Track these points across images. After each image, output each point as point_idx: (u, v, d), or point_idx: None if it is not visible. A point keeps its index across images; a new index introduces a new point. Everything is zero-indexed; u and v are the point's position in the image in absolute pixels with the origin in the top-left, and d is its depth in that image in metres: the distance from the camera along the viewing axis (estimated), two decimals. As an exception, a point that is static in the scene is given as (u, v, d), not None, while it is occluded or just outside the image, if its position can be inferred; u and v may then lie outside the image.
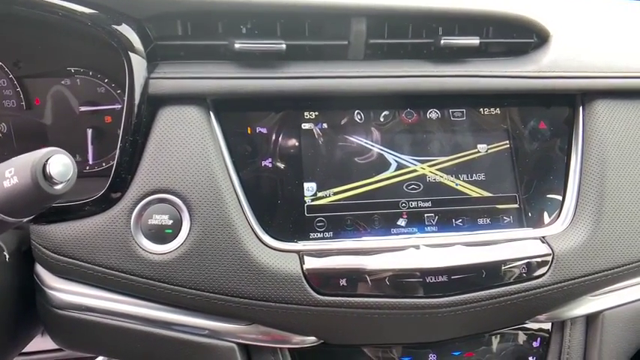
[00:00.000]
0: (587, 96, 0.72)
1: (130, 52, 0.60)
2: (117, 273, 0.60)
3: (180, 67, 0.63)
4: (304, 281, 0.60)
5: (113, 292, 0.63)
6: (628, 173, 0.70)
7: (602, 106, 0.71)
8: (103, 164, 0.82)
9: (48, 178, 0.44)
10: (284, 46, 0.63)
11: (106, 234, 0.60)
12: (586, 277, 0.67)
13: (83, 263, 0.61)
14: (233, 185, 0.62)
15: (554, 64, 0.70)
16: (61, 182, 0.45)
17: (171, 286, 0.60)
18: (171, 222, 0.60)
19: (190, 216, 0.60)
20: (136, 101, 0.61)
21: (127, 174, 0.61)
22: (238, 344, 0.65)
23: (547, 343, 0.75)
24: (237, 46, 0.62)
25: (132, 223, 0.60)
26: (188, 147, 0.62)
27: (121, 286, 0.61)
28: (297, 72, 0.65)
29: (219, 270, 0.60)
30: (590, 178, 0.69)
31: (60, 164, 0.45)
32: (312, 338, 0.66)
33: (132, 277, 0.60)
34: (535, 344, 0.75)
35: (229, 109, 0.66)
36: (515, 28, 0.71)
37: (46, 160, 0.45)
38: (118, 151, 0.61)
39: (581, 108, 0.72)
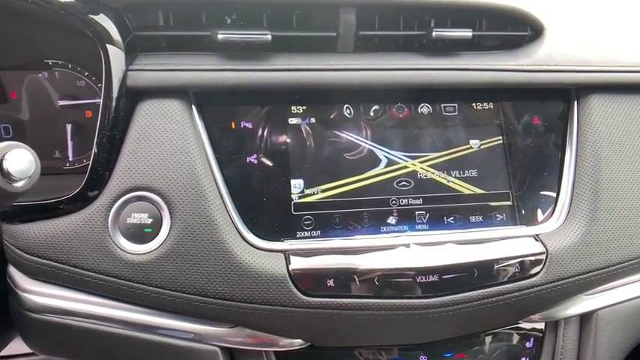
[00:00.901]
0: (581, 90, 0.71)
1: (106, 43, 0.58)
2: (94, 274, 0.58)
3: (161, 59, 0.61)
4: (290, 282, 0.58)
5: (90, 294, 0.61)
6: (623, 169, 0.69)
7: (598, 100, 0.70)
8: (84, 161, 0.79)
9: (6, 174, 0.42)
10: (269, 37, 0.61)
11: (82, 233, 0.58)
12: (580, 276, 0.66)
13: (58, 264, 0.58)
14: (216, 182, 0.61)
15: (549, 57, 0.69)
16: (22, 179, 0.43)
17: (151, 288, 0.58)
18: (150, 221, 0.58)
19: (171, 214, 0.58)
20: (114, 94, 0.58)
21: (105, 170, 0.59)
22: (221, 348, 0.63)
23: (540, 343, 0.75)
24: (220, 36, 0.61)
25: (109, 221, 0.58)
26: (169, 142, 0.59)
27: (99, 288, 0.59)
28: (283, 64, 0.63)
29: (201, 271, 0.58)
30: (584, 173, 0.68)
31: (19, 160, 0.43)
32: (299, 341, 0.65)
33: (110, 278, 0.58)
34: (528, 344, 0.74)
35: (212, 103, 0.64)
36: (508, 20, 0.70)
37: (3, 156, 0.42)
38: (94, 146, 0.59)
39: (575, 102, 0.71)
